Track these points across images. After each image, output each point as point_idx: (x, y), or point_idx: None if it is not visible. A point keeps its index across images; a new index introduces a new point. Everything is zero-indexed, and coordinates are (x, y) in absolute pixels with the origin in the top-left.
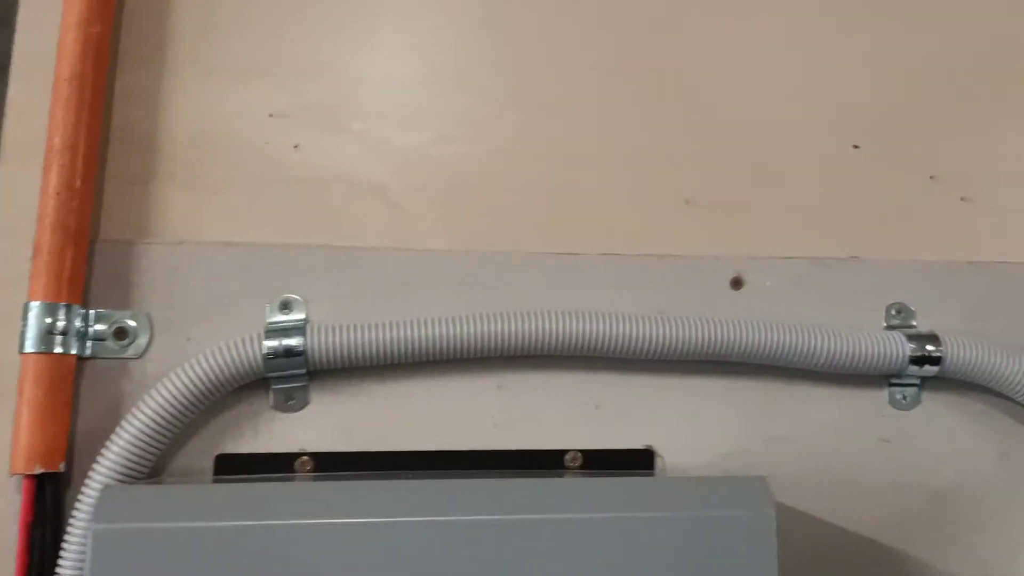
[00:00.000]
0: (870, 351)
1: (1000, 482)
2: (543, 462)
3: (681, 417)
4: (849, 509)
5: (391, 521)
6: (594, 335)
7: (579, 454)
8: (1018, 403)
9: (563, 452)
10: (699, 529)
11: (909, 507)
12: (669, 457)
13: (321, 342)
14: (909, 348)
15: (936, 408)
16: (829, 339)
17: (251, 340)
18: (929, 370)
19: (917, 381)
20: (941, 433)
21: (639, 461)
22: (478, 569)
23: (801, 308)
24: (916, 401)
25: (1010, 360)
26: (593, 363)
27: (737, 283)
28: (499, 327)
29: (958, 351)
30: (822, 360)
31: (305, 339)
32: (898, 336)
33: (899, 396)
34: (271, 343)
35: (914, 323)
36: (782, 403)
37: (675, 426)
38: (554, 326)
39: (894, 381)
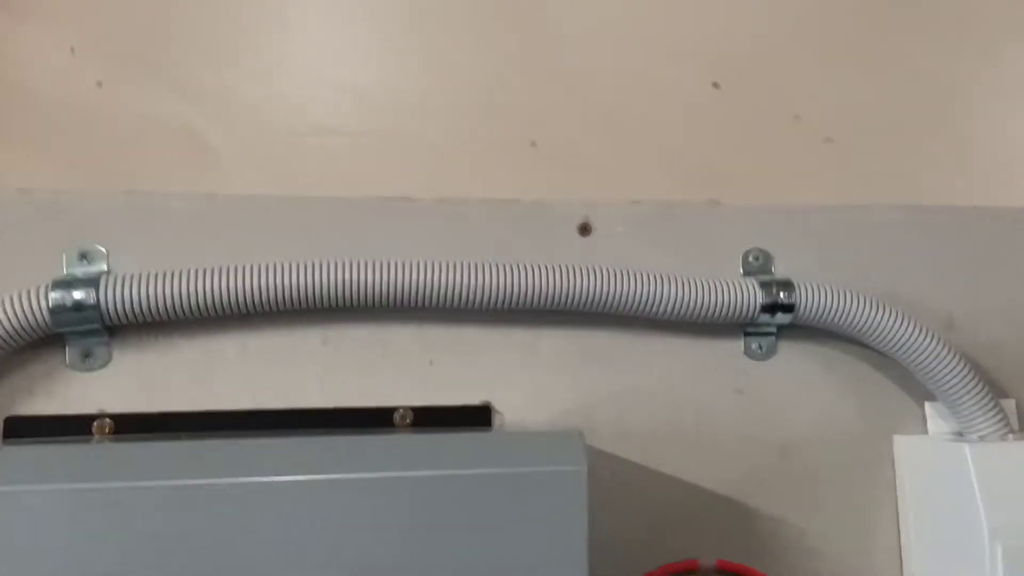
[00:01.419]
0: (720, 299)
1: (858, 432)
2: (371, 421)
3: (522, 372)
4: (701, 463)
5: (190, 484)
6: (425, 285)
7: (410, 412)
8: (877, 351)
9: (393, 410)
10: (510, 485)
11: (763, 460)
12: (509, 414)
13: (115, 295)
14: (761, 295)
15: (793, 358)
16: (676, 286)
17: (36, 293)
18: (783, 318)
19: (773, 330)
20: (797, 383)
21: (476, 418)
22: (284, 532)
23: (654, 256)
24: (772, 351)
25: (866, 307)
26: (426, 315)
27: (585, 229)
28: (321, 276)
29: (812, 298)
30: (670, 309)
31: (97, 291)
32: (750, 283)
33: (755, 346)
34: (57, 296)
35: (773, 270)
36: (631, 356)
37: (516, 381)
38: (381, 276)
39: (749, 330)
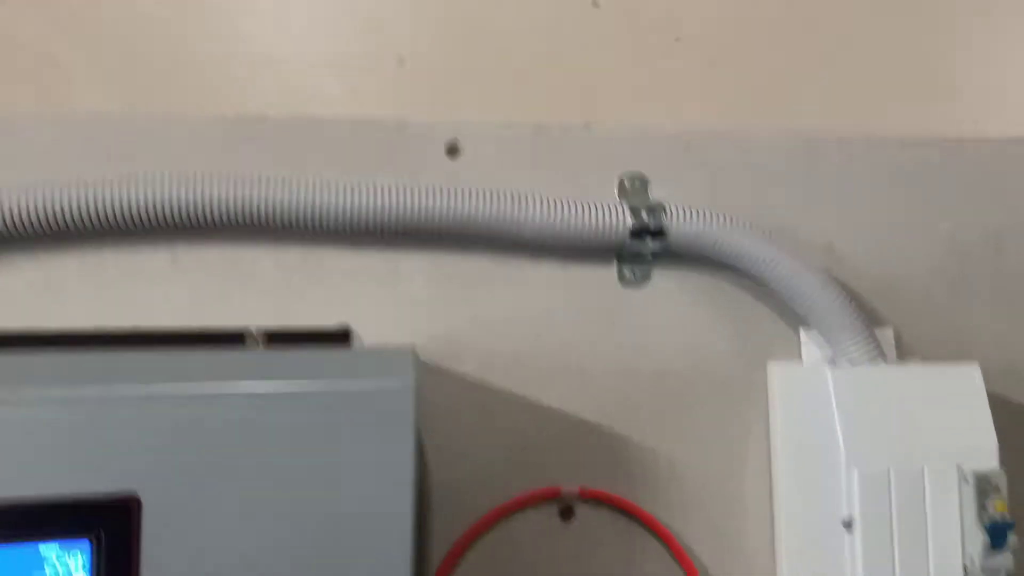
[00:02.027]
0: (587, 221)
1: (732, 360)
2: (222, 342)
3: (384, 295)
4: (570, 391)
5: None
6: (280, 203)
7: (263, 334)
8: (753, 279)
9: (245, 332)
10: (336, 401)
11: (634, 387)
12: (369, 338)
13: None
14: (630, 219)
15: (667, 286)
16: (542, 208)
17: None
18: (654, 244)
19: (647, 257)
20: (672, 311)
21: (333, 341)
22: (108, 444)
23: (525, 180)
24: (646, 278)
25: (741, 234)
26: (283, 236)
27: (453, 150)
28: (167, 193)
29: (684, 224)
30: (535, 231)
31: None
32: (620, 206)
33: (628, 273)
34: None
35: (650, 197)
36: (498, 280)
37: (377, 305)
38: (232, 192)
39: (623, 257)
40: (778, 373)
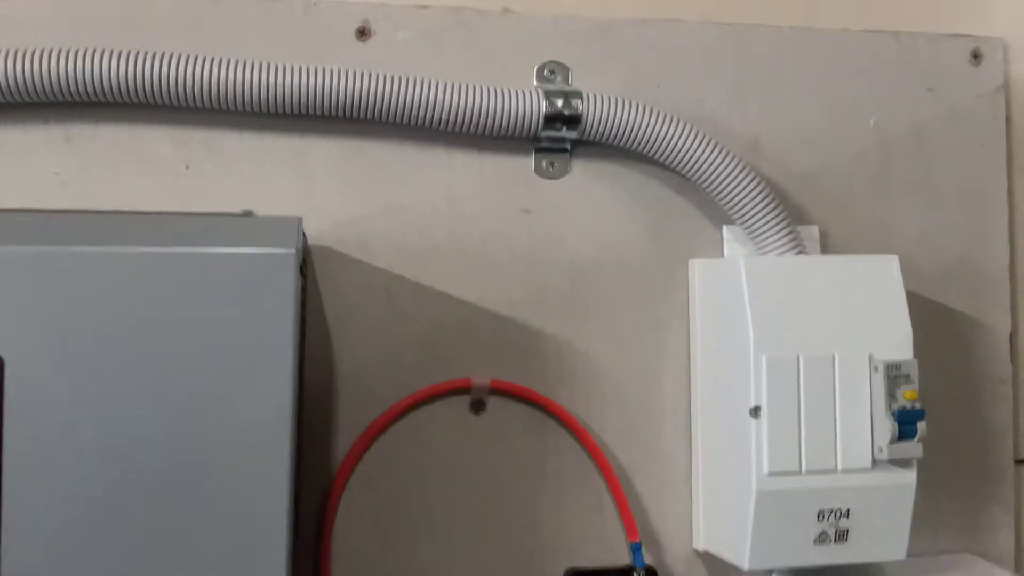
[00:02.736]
0: (498, 106)
1: (653, 256)
2: None
3: (290, 180)
4: (484, 283)
5: None
6: (179, 80)
7: (158, 216)
8: (675, 172)
9: (142, 215)
10: (216, 264)
11: (551, 282)
12: None
13: None
14: (544, 104)
15: (586, 177)
16: (451, 91)
17: None
18: (569, 132)
19: (565, 147)
20: (590, 204)
21: None
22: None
23: (439, 66)
24: (564, 170)
25: (661, 123)
26: (184, 116)
27: (363, 33)
28: (60, 66)
29: (600, 110)
30: (445, 115)
31: None
32: (533, 92)
33: (545, 163)
34: None
35: (570, 86)
36: (411, 168)
37: (283, 191)
38: (127, 67)
39: (540, 147)
40: (699, 270)
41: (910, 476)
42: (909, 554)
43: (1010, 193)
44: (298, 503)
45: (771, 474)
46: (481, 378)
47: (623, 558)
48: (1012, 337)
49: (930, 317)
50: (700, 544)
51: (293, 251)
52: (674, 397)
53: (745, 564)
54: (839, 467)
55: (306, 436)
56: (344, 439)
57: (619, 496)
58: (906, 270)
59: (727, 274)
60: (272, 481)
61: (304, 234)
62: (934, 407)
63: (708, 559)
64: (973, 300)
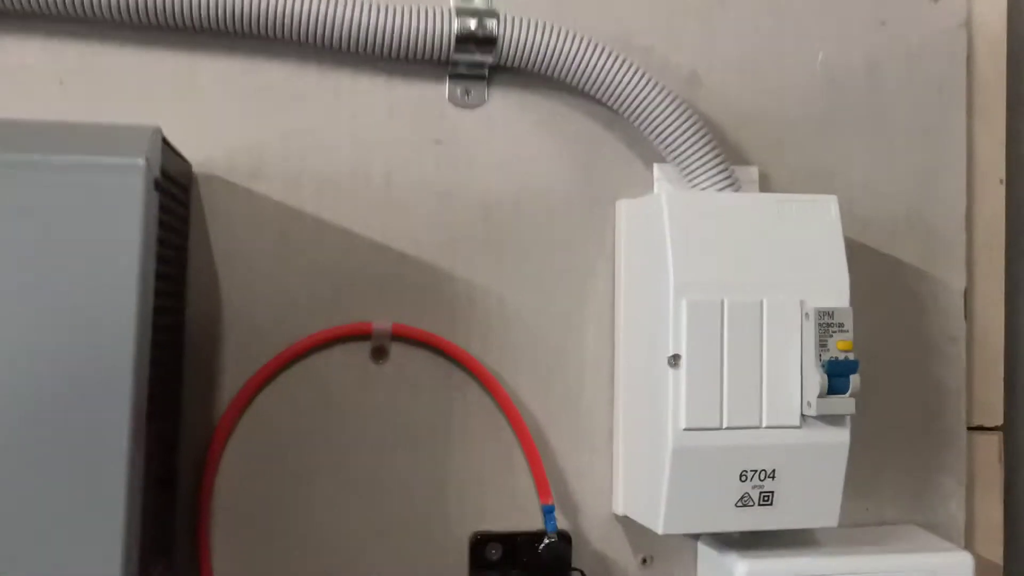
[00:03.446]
0: (404, 24)
1: (577, 195)
2: None
3: (177, 101)
4: (390, 220)
5: None
6: None
7: None
8: (603, 106)
9: None
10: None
11: (463, 220)
12: None
13: None
14: (455, 24)
15: (506, 108)
16: (351, 7)
17: None
18: (484, 56)
19: (482, 73)
20: (510, 137)
21: None
22: None
23: None
24: (481, 98)
25: (585, 49)
26: (57, 27)
27: None
28: None
29: (517, 32)
30: (346, 33)
31: None
32: (444, 10)
33: (460, 91)
34: None
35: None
36: (311, 92)
37: (169, 112)
38: None
39: (455, 72)
40: (625, 211)
41: (842, 435)
42: (848, 524)
43: (968, 139)
44: (172, 451)
45: (689, 429)
46: (382, 323)
47: (536, 522)
48: (966, 293)
49: (877, 270)
50: (619, 508)
51: (141, 161)
52: (596, 349)
53: (660, 528)
54: (764, 423)
55: (188, 380)
56: (231, 385)
57: (532, 454)
58: (853, 219)
59: (650, 211)
60: (112, 419)
61: (179, 154)
62: (880, 368)
63: (628, 524)
64: (925, 253)
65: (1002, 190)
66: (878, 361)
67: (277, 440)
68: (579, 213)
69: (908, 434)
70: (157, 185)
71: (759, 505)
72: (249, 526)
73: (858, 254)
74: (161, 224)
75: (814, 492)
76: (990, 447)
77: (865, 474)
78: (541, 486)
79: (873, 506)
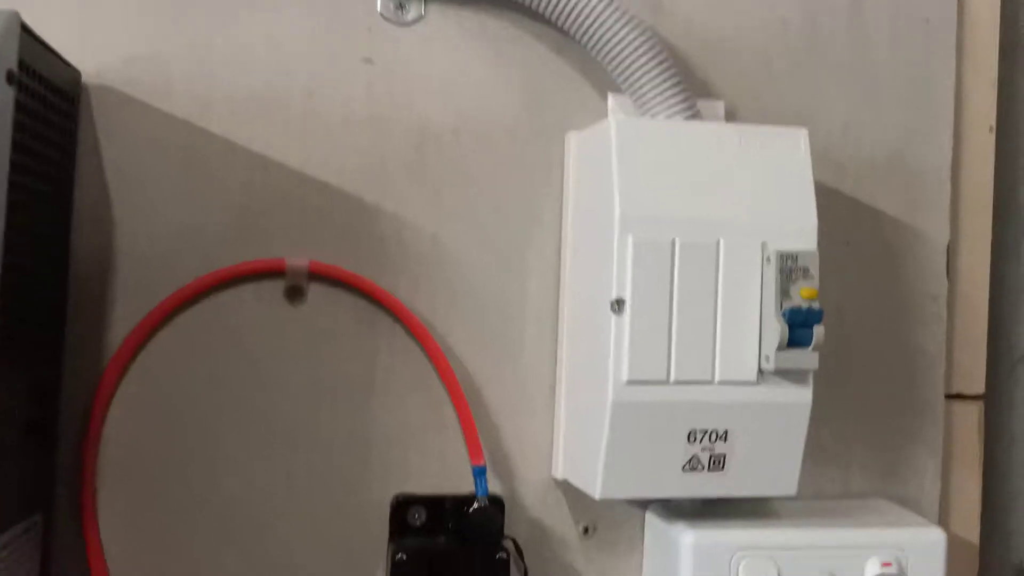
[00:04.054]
0: None
1: (524, 128)
2: None
3: (75, 8)
4: (311, 145)
5: None
6: None
7: None
8: (555, 27)
9: None
10: None
11: (394, 148)
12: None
13: None
14: None
15: (445, 26)
16: None
17: None
18: None
19: None
20: (449, 58)
21: None
22: None
23: None
24: (418, 14)
25: None
26: None
27: None
28: None
29: None
30: None
31: None
32: None
33: (393, 5)
34: None
35: None
36: (225, 4)
37: (58, 17)
38: None
39: None
40: (576, 145)
41: (804, 395)
42: (811, 495)
43: (957, 82)
44: (50, 397)
45: (631, 382)
46: (298, 260)
47: (466, 485)
48: (949, 248)
49: (852, 220)
50: (559, 471)
51: None
52: (540, 300)
53: (596, 492)
54: (716, 378)
55: (72, 317)
56: (124, 325)
57: (463, 411)
58: (828, 163)
59: (599, 141)
60: None
61: (63, 58)
62: (851, 326)
63: (568, 491)
64: (907, 203)
65: (991, 139)
66: (849, 319)
67: (175, 389)
68: (525, 146)
69: (881, 400)
70: (10, 77)
71: (709, 470)
72: (141, 485)
73: (832, 201)
74: (23, 128)
75: (771, 457)
76: (969, 417)
77: (831, 442)
78: (472, 446)
79: (839, 476)
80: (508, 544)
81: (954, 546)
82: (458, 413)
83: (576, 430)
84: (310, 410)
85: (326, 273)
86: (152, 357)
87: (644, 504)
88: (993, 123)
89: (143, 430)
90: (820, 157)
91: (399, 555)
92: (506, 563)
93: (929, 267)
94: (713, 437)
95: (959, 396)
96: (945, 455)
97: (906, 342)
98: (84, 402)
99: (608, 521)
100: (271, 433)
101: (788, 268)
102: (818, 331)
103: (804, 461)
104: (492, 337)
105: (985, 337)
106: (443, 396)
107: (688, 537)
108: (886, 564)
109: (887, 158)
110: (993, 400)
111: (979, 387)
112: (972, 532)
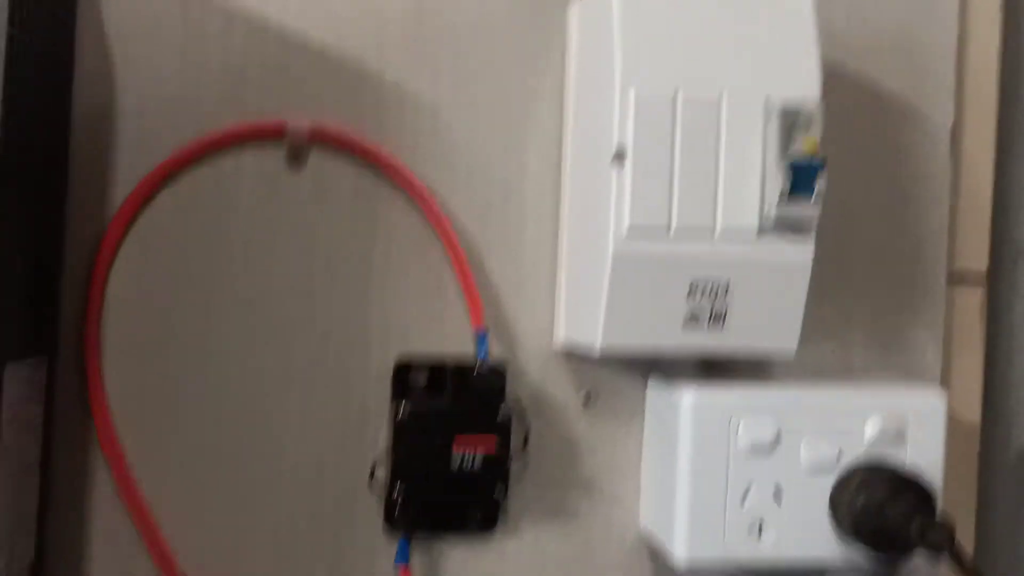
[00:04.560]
0: None
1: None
2: None
3: None
4: (311, 10)
5: None
6: None
7: None
8: None
9: None
10: None
11: (395, 18)
12: None
13: None
14: None
15: None
16: None
17: None
18: None
19: None
20: None
21: None
22: None
23: None
24: None
25: None
26: None
27: None
28: None
29: None
30: None
31: None
32: None
33: None
34: None
35: None
36: None
37: None
38: None
39: None
40: (580, 16)
41: (805, 251)
42: (811, 368)
43: None
44: (58, 246)
45: (632, 232)
46: (299, 121)
47: (468, 349)
48: (954, 128)
49: (855, 98)
50: (560, 337)
51: None
52: (541, 172)
53: (597, 345)
54: (718, 231)
55: (74, 176)
56: (126, 186)
57: (465, 277)
58: (830, 37)
59: (600, 4)
60: None
61: None
62: (853, 205)
63: (570, 360)
64: (910, 80)
65: (999, 17)
66: (851, 197)
67: (175, 254)
68: (527, 18)
69: (882, 280)
70: None
71: (709, 326)
72: (142, 344)
73: (835, 79)
74: None
75: (771, 315)
76: (971, 301)
77: (832, 318)
78: (474, 309)
79: (839, 349)
80: (510, 405)
81: (954, 425)
82: (460, 279)
83: (577, 288)
84: (310, 274)
85: (329, 137)
86: (153, 219)
87: (645, 374)
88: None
89: (144, 290)
90: (822, 35)
91: (401, 413)
92: (508, 422)
93: (932, 147)
94: (714, 293)
95: (961, 281)
96: (946, 338)
97: (908, 222)
98: (86, 263)
99: (609, 391)
100: (269, 297)
101: (790, 121)
102: (820, 184)
103: (805, 338)
104: (493, 209)
105: (988, 222)
106: (444, 264)
107: (688, 398)
108: (886, 423)
109: (890, 31)
110: (994, 284)
111: (981, 271)
112: (973, 413)
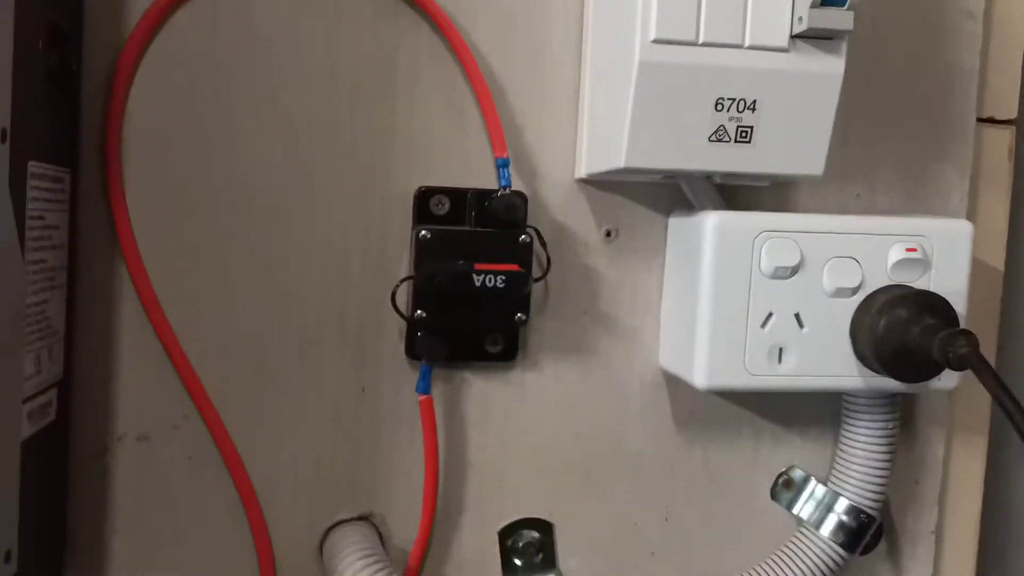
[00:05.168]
0: None
1: None
2: None
3: None
4: None
5: None
6: None
7: None
8: None
9: None
10: None
11: None
12: None
13: None
14: None
15: None
16: None
17: None
18: None
19: None
20: None
21: None
22: None
23: None
24: None
25: None
26: None
27: None
28: None
29: None
30: None
31: None
32: None
33: None
34: None
35: None
36: None
37: None
38: None
39: None
40: None
41: (836, 65)
42: (834, 209)
43: None
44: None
45: (658, 41)
46: None
47: (490, 183)
48: None
49: None
50: (582, 169)
51: None
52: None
53: (622, 159)
54: (747, 41)
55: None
56: (144, 3)
57: (487, 106)
58: None
59: None
60: None
61: None
62: (883, 41)
63: (591, 193)
64: None
65: None
66: (881, 32)
67: (195, 68)
68: None
69: (910, 119)
70: None
71: (736, 142)
72: (162, 163)
73: None
74: None
75: (799, 132)
76: (1000, 142)
77: (858, 158)
78: (496, 138)
79: (865, 192)
80: (531, 231)
81: (978, 267)
82: (482, 108)
83: (601, 108)
84: (331, 102)
85: None
86: (172, 36)
87: (666, 213)
88: None
89: (165, 106)
90: None
91: (423, 233)
92: (529, 245)
93: None
94: (741, 106)
95: (991, 120)
96: (973, 180)
97: (939, 60)
98: (106, 75)
99: (631, 226)
100: (290, 122)
101: None
102: None
103: (829, 180)
104: (516, 40)
105: (1020, 63)
106: (467, 94)
107: (712, 219)
108: (910, 249)
109: None
110: None
111: (1012, 112)
112: (998, 258)
